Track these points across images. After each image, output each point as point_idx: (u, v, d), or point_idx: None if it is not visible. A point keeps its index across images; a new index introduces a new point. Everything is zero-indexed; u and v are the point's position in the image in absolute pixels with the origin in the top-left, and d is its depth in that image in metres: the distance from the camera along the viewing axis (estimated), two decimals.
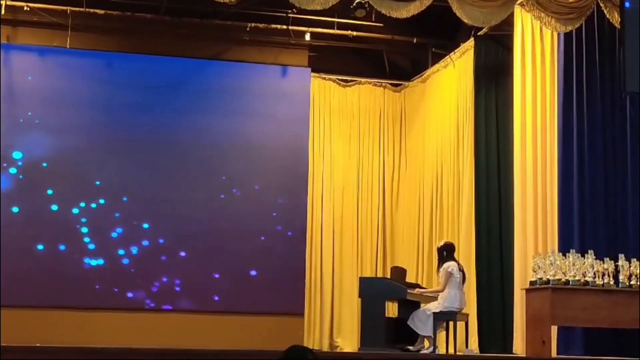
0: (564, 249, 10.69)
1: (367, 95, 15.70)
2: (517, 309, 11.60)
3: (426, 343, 11.57)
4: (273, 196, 14.39)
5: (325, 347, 14.55)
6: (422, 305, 11.84)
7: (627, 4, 10.37)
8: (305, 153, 14.77)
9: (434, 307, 11.35)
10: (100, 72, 14.11)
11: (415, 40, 14.91)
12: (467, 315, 11.77)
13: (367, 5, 12.61)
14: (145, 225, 14.01)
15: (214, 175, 14.27)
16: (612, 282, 10.19)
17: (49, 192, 13.77)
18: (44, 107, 13.88)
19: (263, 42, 14.66)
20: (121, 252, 13.89)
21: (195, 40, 14.37)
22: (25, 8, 13.49)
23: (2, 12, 13.33)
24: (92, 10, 13.65)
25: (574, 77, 11.57)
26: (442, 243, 11.87)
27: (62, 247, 13.71)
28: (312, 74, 15.05)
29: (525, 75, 12.11)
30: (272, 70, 14.76)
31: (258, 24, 14.30)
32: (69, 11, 13.59)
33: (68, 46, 13.79)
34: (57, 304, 13.41)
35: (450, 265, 11.41)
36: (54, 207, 13.77)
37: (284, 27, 14.34)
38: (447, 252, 11.58)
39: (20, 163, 13.74)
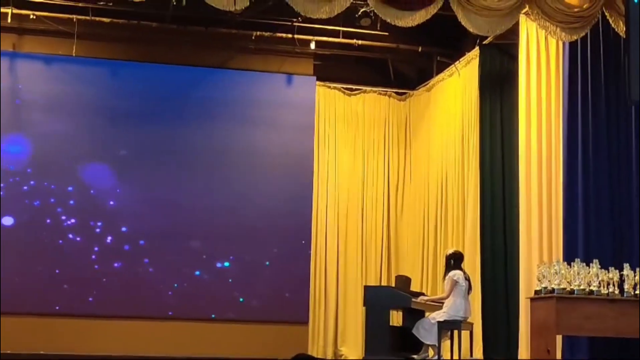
0: (568, 258, 10.69)
1: (372, 103, 15.72)
2: (522, 318, 11.58)
3: (430, 352, 11.57)
4: (278, 204, 14.37)
5: (330, 356, 14.54)
6: (426, 313, 11.84)
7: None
8: (310, 161, 14.77)
9: (438, 315, 11.35)
10: (105, 80, 14.14)
11: (420, 49, 14.93)
12: (472, 324, 11.76)
13: (372, 14, 12.66)
14: (149, 232, 14.00)
15: (218, 183, 14.26)
16: (617, 292, 10.18)
17: (53, 199, 13.78)
18: (49, 115, 13.89)
19: (268, 50, 14.67)
20: (124, 258, 13.89)
21: (201, 49, 14.40)
22: (31, 16, 13.54)
23: (9, 20, 13.38)
24: (97, 19, 13.69)
25: (579, 86, 11.57)
26: (450, 251, 11.87)
27: (66, 254, 13.71)
28: (317, 82, 15.06)
29: (530, 84, 12.10)
30: (277, 79, 14.77)
31: (263, 33, 14.33)
32: (75, 19, 13.63)
33: (74, 54, 13.82)
34: (61, 312, 13.43)
35: (456, 273, 11.41)
36: (59, 213, 13.80)
37: (289, 35, 14.35)
38: (454, 261, 11.59)
39: (26, 170, 13.76)
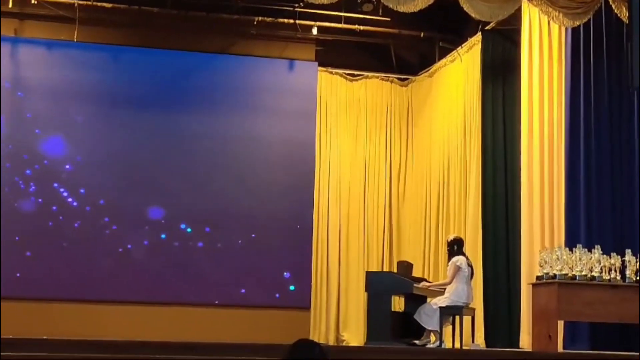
0: (570, 243, 10.68)
1: (374, 89, 15.69)
2: (523, 303, 11.60)
3: (432, 337, 11.58)
4: (280, 190, 14.38)
5: (332, 341, 14.56)
6: (428, 299, 11.84)
7: None
8: (311, 147, 14.76)
9: (440, 301, 11.36)
10: (107, 66, 14.12)
11: (422, 35, 14.92)
12: (474, 309, 11.77)
13: (374, 0, 12.61)
14: (151, 219, 14.02)
15: (220, 169, 14.27)
16: (618, 278, 10.16)
17: (56, 185, 13.78)
18: (50, 101, 13.89)
19: (270, 36, 14.65)
20: (127, 244, 13.91)
21: (202, 34, 14.38)
22: (32, 1, 13.51)
23: (10, 5, 13.37)
24: (99, 4, 13.69)
25: (582, 71, 11.55)
26: (452, 237, 11.86)
27: (70, 240, 13.73)
28: (319, 68, 15.05)
29: (532, 69, 12.09)
30: (279, 64, 14.75)
31: (265, 18, 14.31)
32: (76, 4, 13.63)
33: (75, 39, 13.81)
34: (65, 297, 13.44)
35: (459, 259, 11.41)
36: (62, 199, 13.78)
37: (291, 21, 14.33)
38: (457, 246, 11.59)
39: (26, 157, 13.74)
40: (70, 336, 10.69)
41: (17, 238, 13.47)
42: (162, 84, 14.25)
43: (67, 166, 13.86)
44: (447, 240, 11.88)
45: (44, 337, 9.92)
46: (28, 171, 13.72)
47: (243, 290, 14.09)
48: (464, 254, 11.55)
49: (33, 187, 13.71)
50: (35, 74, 13.89)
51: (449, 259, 11.58)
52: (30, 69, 13.89)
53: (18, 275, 13.37)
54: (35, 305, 13.22)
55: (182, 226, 14.10)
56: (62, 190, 13.78)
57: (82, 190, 13.84)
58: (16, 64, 13.85)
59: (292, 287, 14.27)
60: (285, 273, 14.24)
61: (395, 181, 15.59)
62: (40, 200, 13.70)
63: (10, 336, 9.36)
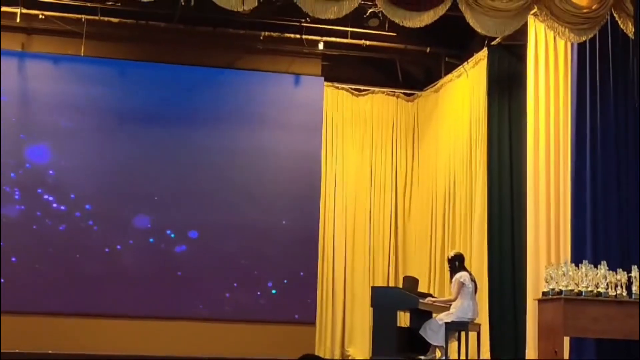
0: (576, 259, 10.66)
1: (380, 104, 15.71)
2: (529, 319, 11.56)
3: (438, 353, 11.56)
4: (285, 205, 14.39)
5: (337, 357, 14.54)
6: (434, 315, 11.83)
7: None
8: (318, 162, 14.77)
9: (446, 317, 11.35)
10: (113, 80, 14.16)
11: (428, 50, 14.93)
12: (479, 325, 11.75)
13: (380, 15, 12.65)
14: (156, 232, 14.02)
15: (226, 182, 14.27)
16: (624, 294, 10.15)
17: (58, 198, 13.80)
18: (57, 115, 13.92)
19: (276, 51, 14.69)
20: (131, 258, 13.92)
21: (209, 49, 14.41)
22: (40, 16, 13.58)
23: (18, 19, 13.42)
24: (106, 19, 13.72)
25: (587, 87, 11.53)
26: (452, 253, 11.86)
27: (71, 253, 13.72)
28: (325, 83, 15.07)
29: (538, 85, 12.08)
30: (285, 79, 14.79)
31: (271, 33, 14.34)
32: (83, 19, 13.67)
33: (82, 54, 13.85)
34: (67, 311, 13.43)
35: (462, 275, 11.41)
36: (64, 212, 13.80)
37: (297, 36, 14.37)
38: (459, 263, 11.60)
39: (30, 169, 13.77)
40: (60, 350, 10.71)
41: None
42: (169, 98, 14.27)
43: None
44: (448, 257, 11.88)
45: (49, 351, 9.95)
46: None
47: (248, 305, 14.03)
48: (466, 270, 11.55)
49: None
50: (43, 88, 13.92)
51: (451, 275, 11.58)
52: (37, 83, 13.93)
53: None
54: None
55: (186, 239, 14.09)
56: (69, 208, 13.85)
57: (84, 203, 13.93)
58: (23, 78, 13.90)
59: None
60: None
61: (401, 196, 15.60)
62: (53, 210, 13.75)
63: (9, 350, 9.36)
